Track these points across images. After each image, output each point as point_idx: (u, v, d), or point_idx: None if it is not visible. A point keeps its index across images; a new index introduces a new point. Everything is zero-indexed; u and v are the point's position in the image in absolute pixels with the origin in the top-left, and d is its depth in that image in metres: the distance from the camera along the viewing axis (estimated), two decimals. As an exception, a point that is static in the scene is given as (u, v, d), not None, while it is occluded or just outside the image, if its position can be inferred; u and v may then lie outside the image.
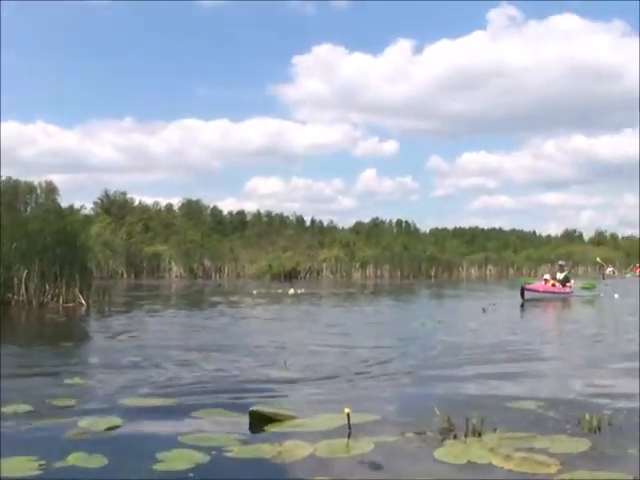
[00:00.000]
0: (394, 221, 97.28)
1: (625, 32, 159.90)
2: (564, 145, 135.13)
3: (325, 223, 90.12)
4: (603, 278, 55.80)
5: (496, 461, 5.14)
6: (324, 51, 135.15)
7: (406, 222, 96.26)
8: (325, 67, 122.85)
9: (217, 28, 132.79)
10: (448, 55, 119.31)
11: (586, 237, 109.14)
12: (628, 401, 7.37)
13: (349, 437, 5.86)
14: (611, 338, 13.57)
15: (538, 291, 27.98)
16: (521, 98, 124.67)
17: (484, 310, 20.03)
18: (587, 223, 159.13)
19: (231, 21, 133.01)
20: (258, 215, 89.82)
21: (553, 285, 28.88)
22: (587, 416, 6.17)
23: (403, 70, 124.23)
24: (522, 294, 26.57)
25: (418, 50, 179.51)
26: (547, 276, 29.96)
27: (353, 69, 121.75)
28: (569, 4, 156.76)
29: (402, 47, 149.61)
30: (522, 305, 24.96)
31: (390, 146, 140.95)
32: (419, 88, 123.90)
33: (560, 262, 32.52)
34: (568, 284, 29.76)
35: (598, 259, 70.68)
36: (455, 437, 5.79)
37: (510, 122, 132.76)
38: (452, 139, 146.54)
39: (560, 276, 29.75)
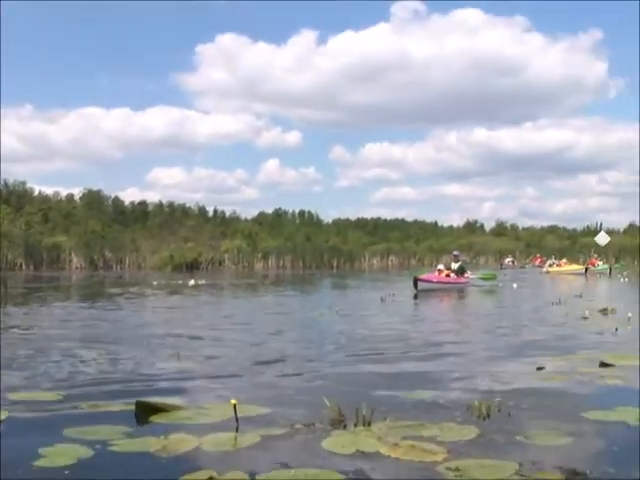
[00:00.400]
0: (297, 212, 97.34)
1: (527, 28, 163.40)
2: (466, 137, 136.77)
3: (228, 213, 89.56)
4: (501, 268, 56.90)
5: (384, 450, 5.15)
6: (228, 40, 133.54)
7: (309, 213, 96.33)
8: (229, 56, 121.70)
9: (119, 15, 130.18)
10: (352, 47, 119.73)
11: (487, 228, 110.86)
12: (518, 388, 7.50)
13: (237, 430, 5.80)
14: (505, 327, 13.71)
15: (432, 281, 27.45)
16: (424, 90, 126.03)
17: (382, 300, 20.19)
18: (488, 214, 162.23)
19: (134, 8, 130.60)
20: (160, 205, 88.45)
21: (447, 275, 28.51)
22: (476, 403, 6.24)
23: (307, 61, 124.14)
24: (415, 285, 26.21)
25: (322, 41, 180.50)
26: (441, 266, 29.72)
27: (257, 59, 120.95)
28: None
29: (306, 37, 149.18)
30: (415, 296, 24.60)
31: (293, 137, 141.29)
32: (323, 79, 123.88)
33: (454, 252, 32.24)
34: (464, 274, 29.40)
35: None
36: (345, 427, 5.78)
37: (413, 114, 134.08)
38: (355, 130, 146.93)
39: (455, 266, 29.39)
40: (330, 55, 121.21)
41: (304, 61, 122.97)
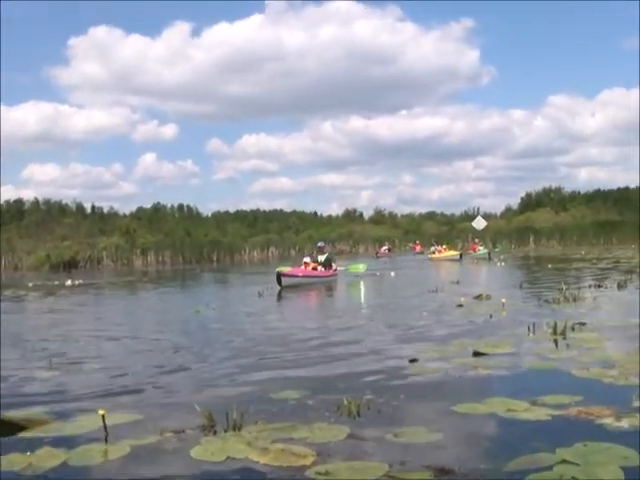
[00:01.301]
0: (176, 206, 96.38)
1: (400, 17, 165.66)
2: (342, 127, 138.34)
3: (106, 210, 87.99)
4: (377, 256, 57.04)
5: (253, 455, 5.07)
6: (101, 33, 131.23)
7: (188, 206, 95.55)
8: (102, 49, 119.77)
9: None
10: (227, 38, 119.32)
11: (366, 216, 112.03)
12: (390, 383, 7.52)
13: (106, 440, 5.61)
14: (378, 319, 13.71)
15: (297, 276, 24.95)
16: (299, 81, 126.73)
17: (260, 294, 20.05)
18: (367, 202, 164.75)
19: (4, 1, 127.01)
20: (36, 203, 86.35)
21: (314, 269, 26.37)
22: (345, 402, 6.21)
23: (182, 53, 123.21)
24: (279, 280, 23.78)
25: (196, 33, 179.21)
26: (307, 259, 27.24)
27: (131, 51, 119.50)
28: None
29: (180, 29, 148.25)
30: (280, 293, 22.42)
31: (170, 130, 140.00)
32: (198, 71, 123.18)
33: (319, 244, 29.62)
34: (332, 266, 27.60)
35: (396, 241, 72.19)
36: (215, 433, 5.68)
37: (289, 104, 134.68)
38: (232, 122, 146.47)
39: (321, 258, 27.41)
40: (205, 47, 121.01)
41: (179, 53, 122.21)
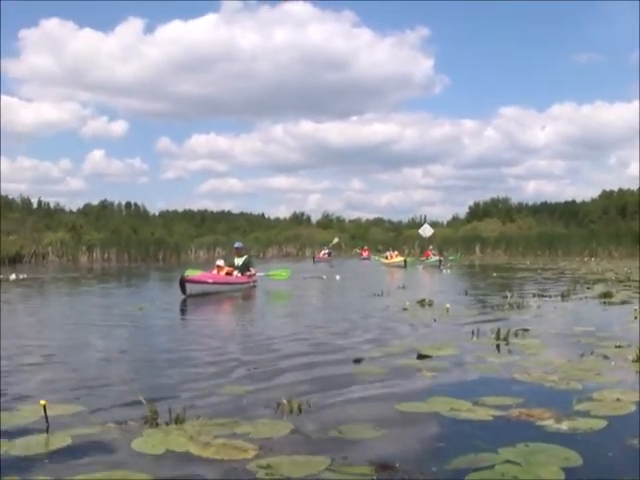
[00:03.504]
0: (123, 203, 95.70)
1: (355, 23, 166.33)
2: (293, 130, 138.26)
3: (53, 205, 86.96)
4: (314, 261, 55.90)
5: (194, 449, 5.06)
6: (53, 25, 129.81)
7: (135, 204, 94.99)
8: (53, 42, 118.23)
9: None
10: (180, 36, 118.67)
11: (314, 220, 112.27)
12: (334, 382, 7.50)
13: (47, 431, 5.57)
14: (325, 321, 13.74)
15: (206, 282, 20.35)
16: (251, 82, 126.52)
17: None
18: (315, 206, 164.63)
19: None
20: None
21: (228, 274, 22.13)
22: (286, 400, 6.22)
23: (134, 49, 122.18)
24: (182, 288, 19.19)
25: (149, 30, 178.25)
26: (220, 262, 22.72)
27: (83, 46, 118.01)
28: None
29: (133, 25, 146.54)
30: (184, 301, 18.43)
31: (119, 126, 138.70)
32: (150, 68, 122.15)
33: (236, 245, 24.79)
34: (250, 272, 23.37)
35: (336, 239, 70.59)
36: (157, 426, 5.64)
37: (240, 105, 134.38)
38: (182, 121, 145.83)
39: (238, 262, 23.10)
40: (158, 44, 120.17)
41: (131, 50, 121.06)
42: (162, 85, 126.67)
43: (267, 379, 7.71)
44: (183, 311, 16.36)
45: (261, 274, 24.76)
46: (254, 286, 23.46)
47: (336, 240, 69.72)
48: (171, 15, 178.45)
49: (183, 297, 18.78)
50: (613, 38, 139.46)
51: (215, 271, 21.87)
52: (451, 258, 59.48)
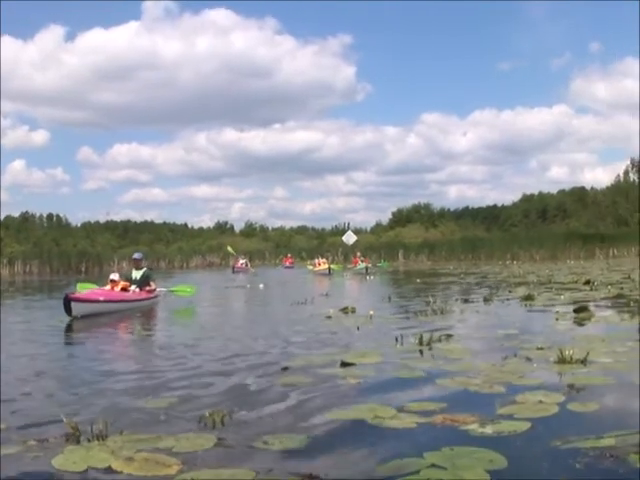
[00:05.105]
0: (45, 215, 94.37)
1: (277, 30, 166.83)
2: (216, 138, 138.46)
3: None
4: (233, 272, 54.39)
5: (116, 464, 4.96)
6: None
7: (57, 216, 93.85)
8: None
9: None
10: (101, 44, 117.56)
11: (237, 229, 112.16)
12: (257, 392, 7.49)
13: (-37, 449, 5.40)
14: (244, 332, 13.74)
15: (98, 301, 17.12)
16: (173, 91, 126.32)
17: None
18: (238, 215, 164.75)
19: None
20: None
21: (124, 289, 19.03)
22: (208, 413, 6.19)
23: (54, 57, 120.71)
24: (67, 308, 15.99)
25: (70, 37, 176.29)
26: (115, 276, 19.50)
27: (2, 54, 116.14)
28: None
29: (54, 33, 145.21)
30: (70, 322, 15.67)
31: (40, 136, 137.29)
32: (70, 77, 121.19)
33: (135, 255, 21.78)
34: (151, 286, 20.52)
35: (229, 248, 69.13)
36: (78, 442, 5.53)
37: (162, 114, 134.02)
38: (104, 130, 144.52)
39: (136, 275, 20.38)
40: (78, 52, 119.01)
41: (51, 58, 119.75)
42: (83, 94, 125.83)
43: (190, 392, 7.61)
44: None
45: (163, 290, 22.25)
46: (155, 303, 20.77)
47: (229, 249, 68.42)
48: (92, 22, 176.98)
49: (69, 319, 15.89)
50: (536, 45, 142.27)
51: (109, 287, 18.84)
52: (379, 265, 59.90)
